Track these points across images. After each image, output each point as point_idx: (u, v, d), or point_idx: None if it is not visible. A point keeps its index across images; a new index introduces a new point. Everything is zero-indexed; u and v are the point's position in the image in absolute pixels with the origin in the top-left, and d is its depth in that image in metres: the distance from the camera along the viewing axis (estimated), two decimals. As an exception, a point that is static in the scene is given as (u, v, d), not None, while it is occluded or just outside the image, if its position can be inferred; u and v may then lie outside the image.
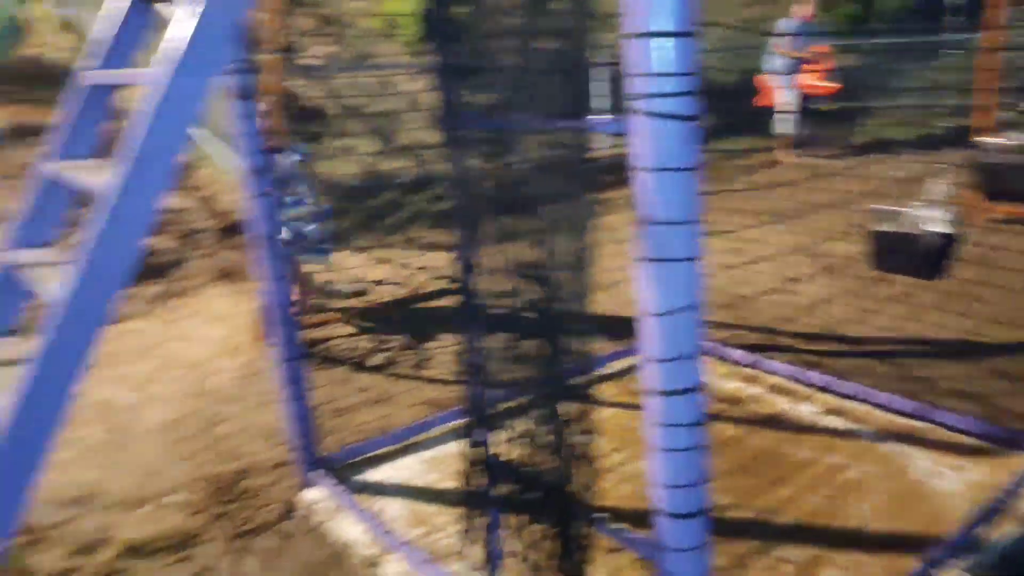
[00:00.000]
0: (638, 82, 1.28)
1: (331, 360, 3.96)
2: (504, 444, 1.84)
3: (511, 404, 1.82)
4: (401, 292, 4.47)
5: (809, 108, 9.00)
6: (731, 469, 2.77)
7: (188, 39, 1.64)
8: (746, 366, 3.64)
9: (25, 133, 5.41)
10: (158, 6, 1.80)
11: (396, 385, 3.74)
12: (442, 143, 1.71)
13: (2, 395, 1.56)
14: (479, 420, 1.88)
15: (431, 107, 4.14)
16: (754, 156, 9.10)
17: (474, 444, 1.95)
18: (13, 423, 1.40)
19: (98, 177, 1.73)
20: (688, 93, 1.28)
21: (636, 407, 3.37)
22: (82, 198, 1.83)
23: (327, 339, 4.08)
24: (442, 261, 4.68)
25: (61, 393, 1.50)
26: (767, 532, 2.42)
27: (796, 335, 3.97)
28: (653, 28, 1.25)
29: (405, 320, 4.61)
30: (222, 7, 1.58)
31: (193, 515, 2.86)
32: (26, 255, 2.03)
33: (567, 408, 1.61)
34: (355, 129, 4.71)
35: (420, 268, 4.28)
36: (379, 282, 4.05)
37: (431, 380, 3.84)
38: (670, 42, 1.25)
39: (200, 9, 1.51)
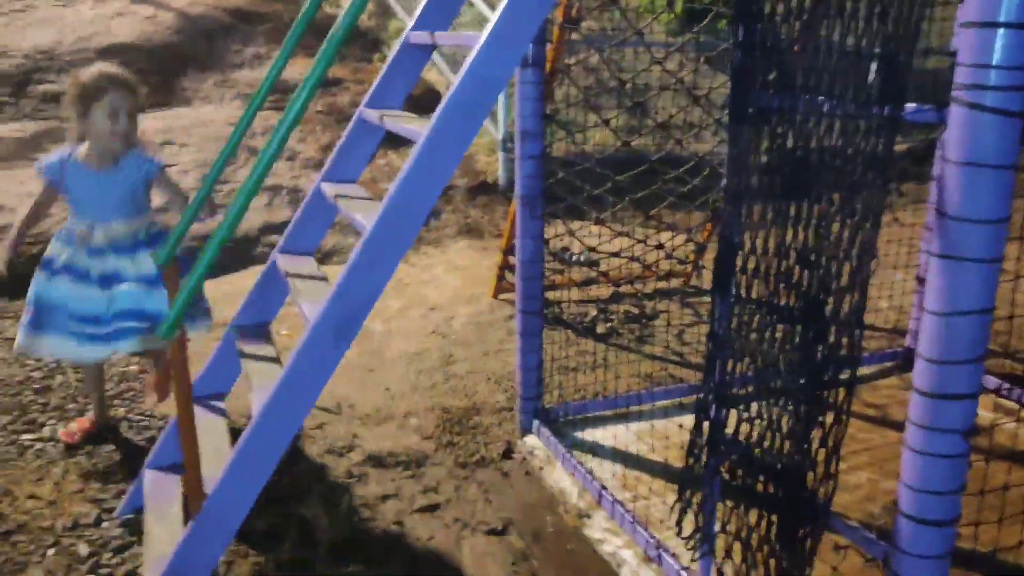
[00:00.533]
0: (964, 72, 1.23)
1: (558, 321, 4.13)
2: (741, 424, 1.86)
3: (755, 387, 1.83)
4: (634, 267, 4.53)
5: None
6: (973, 501, 2.56)
7: (503, 11, 1.81)
8: (1003, 396, 3.32)
9: (324, 85, 6.12)
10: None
11: (616, 355, 3.83)
12: (730, 120, 1.74)
13: (312, 304, 1.85)
14: (718, 396, 1.91)
15: (691, 86, 4.11)
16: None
17: (707, 419, 1.99)
18: (331, 320, 1.67)
19: (414, 125, 1.96)
20: (1019, 88, 1.21)
21: (859, 416, 3.18)
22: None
23: (557, 302, 4.25)
24: (679, 241, 4.68)
25: (365, 304, 1.75)
26: (1007, 570, 2.23)
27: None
28: (990, 19, 1.20)
29: (633, 295, 4.68)
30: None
31: (425, 439, 3.15)
32: (338, 188, 2.35)
33: (819, 401, 1.60)
34: (610, 103, 4.80)
35: (657, 247, 4.32)
36: (615, 254, 4.15)
37: (650, 356, 3.90)
38: (1008, 33, 1.19)
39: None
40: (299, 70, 6.35)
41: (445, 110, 1.79)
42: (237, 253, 4.72)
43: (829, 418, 1.54)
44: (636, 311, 4.56)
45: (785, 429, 1.69)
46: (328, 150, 5.70)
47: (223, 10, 6.42)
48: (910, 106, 1.41)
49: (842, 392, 1.48)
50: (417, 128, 1.88)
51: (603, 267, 4.50)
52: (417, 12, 2.42)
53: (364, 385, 3.58)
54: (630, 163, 4.25)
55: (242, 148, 5.43)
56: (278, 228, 4.90)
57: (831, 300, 1.47)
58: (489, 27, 1.80)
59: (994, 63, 1.20)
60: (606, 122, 3.88)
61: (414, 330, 4.18)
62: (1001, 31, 1.18)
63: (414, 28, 2.40)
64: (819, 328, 1.48)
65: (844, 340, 1.47)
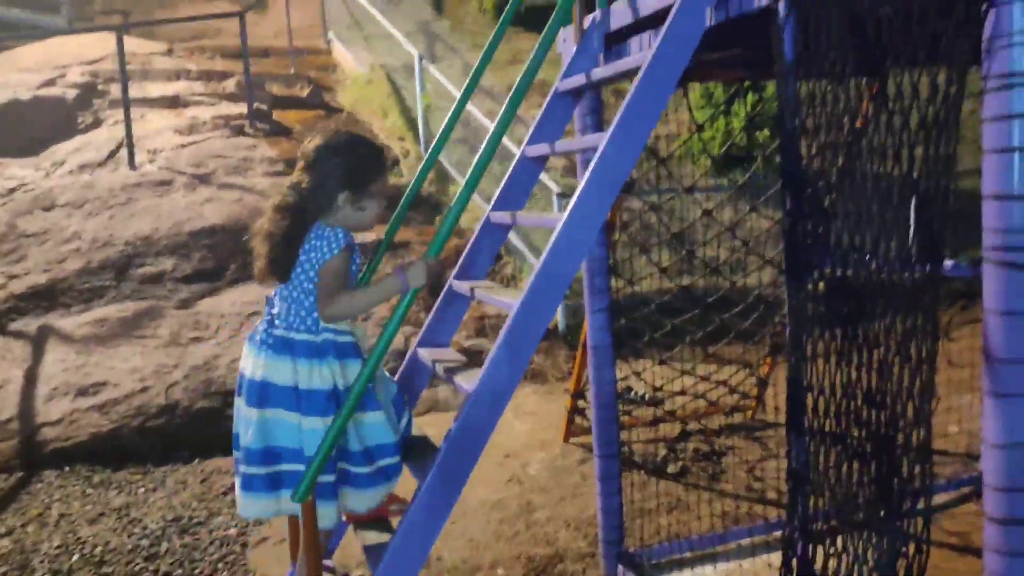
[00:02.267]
0: (993, 236, 1.44)
1: (631, 463, 4.23)
2: (829, 560, 1.95)
3: (837, 521, 1.94)
4: (699, 404, 4.66)
5: None
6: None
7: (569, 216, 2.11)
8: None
9: (394, 246, 6.61)
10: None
11: (691, 494, 3.89)
12: (787, 277, 1.96)
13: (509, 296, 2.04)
14: (804, 532, 2.01)
15: (735, 227, 4.36)
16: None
17: (795, 556, 2.08)
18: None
19: (505, 297, 2.23)
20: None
21: (941, 544, 3.15)
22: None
23: (627, 442, 4.37)
24: (741, 377, 4.81)
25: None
26: None
27: None
28: (1006, 192, 1.42)
29: (700, 432, 4.76)
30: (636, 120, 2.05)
31: (514, 589, 3.23)
32: (433, 352, 2.60)
33: (899, 532, 1.71)
34: (662, 245, 5.10)
35: (719, 382, 4.46)
36: (680, 392, 4.29)
37: (725, 493, 3.95)
38: (1019, 204, 1.41)
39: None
40: (369, 234, 6.86)
41: (527, 296, 2.06)
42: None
43: (911, 548, 1.65)
44: (706, 448, 4.63)
45: (871, 562, 1.78)
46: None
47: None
48: (948, 263, 1.62)
49: (919, 522, 1.60)
50: (509, 300, 2.15)
51: (668, 406, 4.63)
52: (496, 195, 2.76)
53: (448, 536, 3.69)
54: (687, 303, 4.48)
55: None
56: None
57: (899, 436, 1.62)
58: (558, 230, 2.09)
59: (1015, 228, 1.41)
60: (663, 270, 4.14)
61: (491, 478, 4.32)
62: (1017, 203, 1.40)
63: (494, 209, 2.73)
64: (890, 462, 1.62)
65: (916, 471, 1.60)
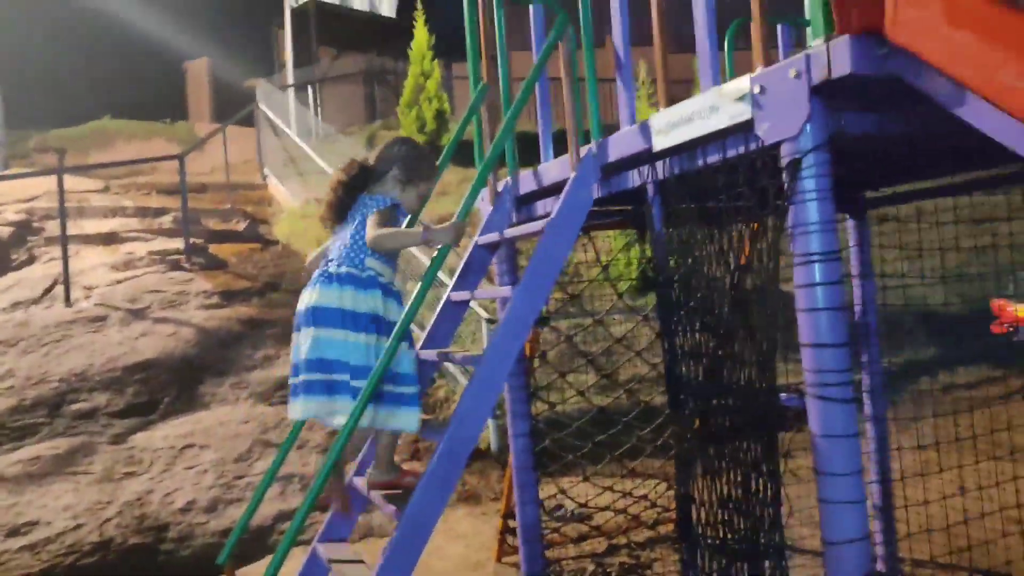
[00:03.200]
0: (811, 375, 1.85)
1: (560, 580, 4.41)
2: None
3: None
4: (622, 519, 4.91)
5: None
6: None
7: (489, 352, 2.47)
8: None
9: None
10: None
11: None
12: (669, 406, 2.34)
13: None
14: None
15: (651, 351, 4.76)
16: (988, 387, 8.78)
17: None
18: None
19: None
20: (846, 383, 1.83)
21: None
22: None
23: (556, 560, 4.57)
24: (662, 489, 5.10)
25: None
26: None
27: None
28: (817, 341, 1.84)
29: (626, 545, 4.99)
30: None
31: None
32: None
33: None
34: (580, 367, 5.48)
35: (642, 496, 4.74)
36: (604, 508, 4.55)
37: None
38: (829, 351, 1.83)
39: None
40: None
41: (452, 428, 2.38)
42: (253, 543, 5.03)
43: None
44: (631, 562, 4.85)
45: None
46: (333, 433, 6.23)
47: (236, 320, 7.30)
48: (783, 396, 2.02)
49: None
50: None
51: (595, 521, 4.87)
52: (424, 335, 3.11)
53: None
54: (609, 420, 4.83)
55: (256, 442, 5.94)
56: (291, 516, 5.27)
57: (760, 537, 1.96)
58: (476, 372, 2.44)
59: (824, 368, 1.82)
60: (581, 393, 4.50)
61: (426, 602, 4.43)
62: (827, 350, 1.82)
63: (423, 347, 3.07)
64: (754, 562, 1.96)
65: (775, 571, 1.94)
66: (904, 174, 3.22)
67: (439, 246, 2.65)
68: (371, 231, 2.54)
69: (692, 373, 2.24)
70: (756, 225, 2.00)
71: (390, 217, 2.61)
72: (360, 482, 2.83)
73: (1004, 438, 5.28)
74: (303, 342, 2.55)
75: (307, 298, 2.59)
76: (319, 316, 2.51)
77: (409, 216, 2.84)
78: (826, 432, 1.84)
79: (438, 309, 3.15)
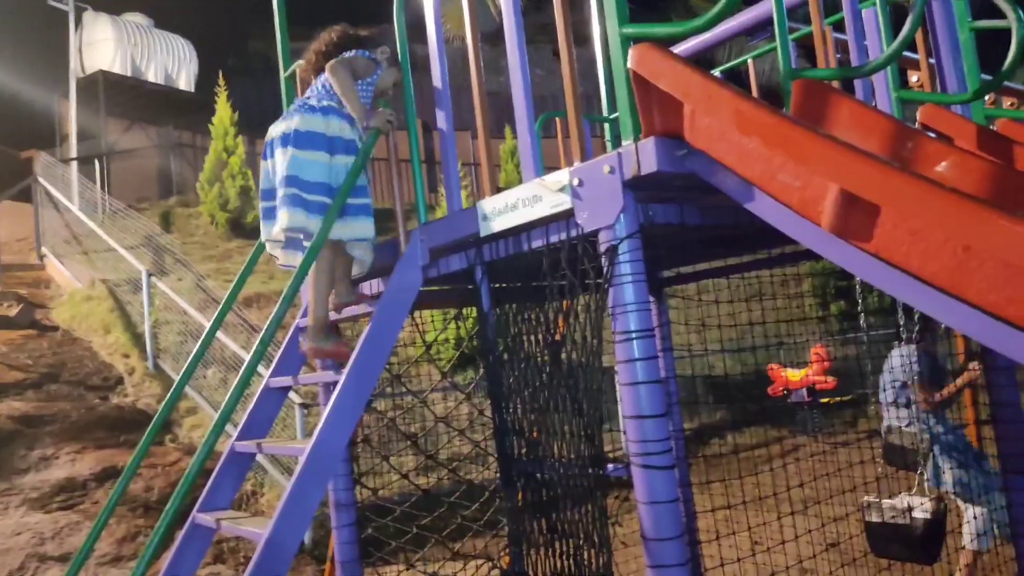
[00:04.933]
0: (633, 446, 1.97)
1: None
2: None
3: None
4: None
5: (816, 400, 9.82)
6: None
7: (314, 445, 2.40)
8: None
9: (114, 475, 6.14)
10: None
11: None
12: (501, 482, 2.37)
13: None
14: None
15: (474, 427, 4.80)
16: (771, 446, 9.67)
17: None
18: None
19: (253, 527, 2.39)
20: (666, 451, 1.97)
21: None
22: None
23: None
24: (484, 571, 5.07)
25: None
26: None
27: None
28: (638, 413, 1.98)
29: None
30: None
31: None
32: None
33: None
34: (399, 447, 5.39)
35: (467, 580, 4.69)
36: (431, 595, 4.44)
37: None
38: (650, 421, 1.96)
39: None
40: (88, 464, 6.37)
41: (277, 521, 2.26)
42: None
43: None
44: (459, 647, 4.75)
45: None
46: (125, 541, 5.61)
47: (6, 417, 6.44)
48: (610, 467, 2.13)
49: None
50: (257, 530, 2.31)
51: (421, 609, 4.73)
52: (241, 424, 2.93)
53: None
54: (434, 501, 4.76)
55: (31, 556, 5.19)
56: None
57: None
58: (302, 463, 2.35)
59: (645, 439, 1.95)
60: (404, 476, 4.42)
61: None
62: (648, 421, 1.96)
63: (239, 438, 2.90)
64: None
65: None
66: (697, 255, 3.57)
67: (368, 128, 2.84)
68: (338, 62, 2.85)
69: (520, 448, 2.30)
70: (578, 304, 2.13)
71: (360, 66, 2.91)
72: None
73: (790, 493, 5.83)
74: (280, 162, 2.80)
75: (284, 126, 2.84)
76: (300, 139, 2.76)
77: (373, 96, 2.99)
78: (650, 499, 1.96)
79: (255, 397, 3.00)
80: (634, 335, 1.99)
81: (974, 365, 4.22)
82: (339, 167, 2.77)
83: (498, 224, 2.34)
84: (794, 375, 10.44)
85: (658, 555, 1.94)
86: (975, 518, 4.26)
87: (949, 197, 1.36)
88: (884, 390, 4.63)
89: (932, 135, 2.14)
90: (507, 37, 2.36)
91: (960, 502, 4.40)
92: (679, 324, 4.75)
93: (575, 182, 2.07)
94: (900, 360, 4.50)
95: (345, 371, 2.50)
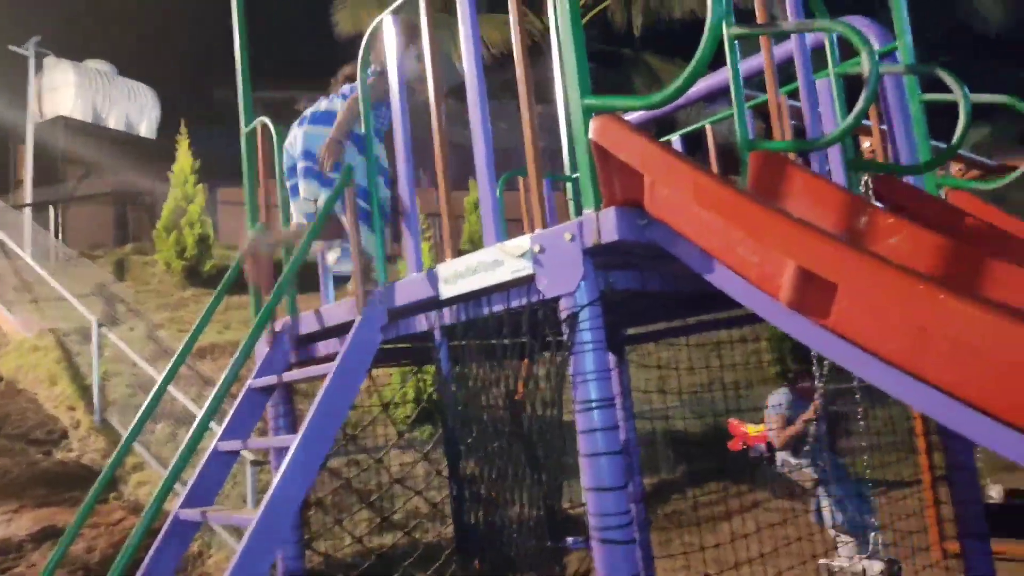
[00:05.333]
0: (594, 519, 1.93)
1: None
2: None
3: None
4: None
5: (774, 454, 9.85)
6: None
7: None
8: None
9: (53, 535, 5.85)
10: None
11: None
12: (456, 551, 2.30)
13: None
14: None
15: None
16: (730, 502, 9.64)
17: None
18: None
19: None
20: (626, 524, 1.93)
21: None
22: None
23: None
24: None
25: None
26: None
27: None
28: (598, 485, 1.94)
29: None
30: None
31: None
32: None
33: None
34: (353, 508, 5.25)
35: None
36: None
37: None
38: (611, 494, 1.92)
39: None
40: (26, 524, 6.07)
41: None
42: None
43: None
44: None
45: None
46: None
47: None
48: (569, 539, 2.09)
49: None
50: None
51: None
52: (186, 490, 2.82)
53: None
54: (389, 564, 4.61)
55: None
56: None
57: None
58: (249, 532, 2.27)
59: (607, 512, 1.91)
60: (358, 540, 4.29)
61: None
62: (609, 493, 1.92)
63: (183, 506, 2.78)
64: None
65: None
66: (659, 315, 3.59)
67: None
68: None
69: (477, 515, 2.24)
70: (538, 369, 2.11)
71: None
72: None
73: (753, 548, 5.79)
74: (298, 138, 3.17)
75: (311, 108, 3.29)
76: (316, 117, 3.17)
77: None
78: (610, 573, 1.91)
79: (203, 460, 2.90)
80: (595, 404, 1.97)
81: (814, 405, 4.52)
82: (350, 148, 3.05)
83: (458, 288, 2.32)
84: (753, 430, 10.48)
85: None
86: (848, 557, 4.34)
87: (904, 277, 1.38)
88: (771, 429, 5.00)
89: (882, 206, 2.18)
90: (469, 98, 2.37)
91: (843, 536, 4.49)
92: (638, 380, 4.75)
93: (536, 248, 2.07)
94: (774, 399, 4.95)
95: (297, 436, 2.43)
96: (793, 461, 4.56)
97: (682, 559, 5.50)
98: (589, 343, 1.97)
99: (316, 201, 3.14)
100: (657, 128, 6.03)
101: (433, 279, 2.41)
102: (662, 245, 1.91)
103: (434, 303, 2.47)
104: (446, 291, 2.36)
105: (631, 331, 4.14)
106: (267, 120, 3.18)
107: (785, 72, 3.06)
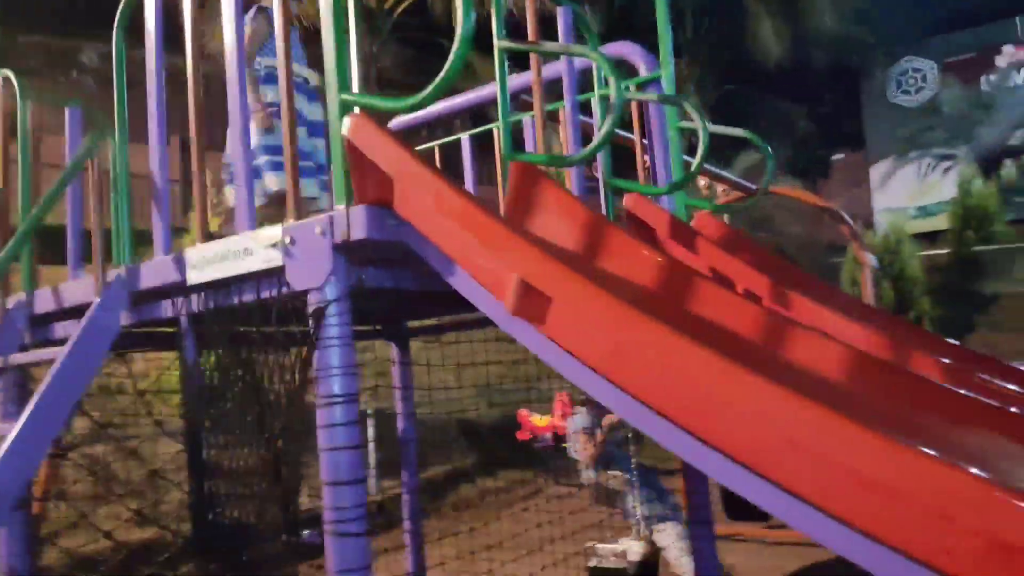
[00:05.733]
0: (329, 512, 1.94)
1: None
2: None
3: None
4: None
5: (559, 444, 10.38)
6: None
7: None
8: None
9: None
10: None
11: None
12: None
13: None
14: None
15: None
16: (515, 491, 10.04)
17: None
18: None
19: None
20: (361, 518, 1.96)
21: None
22: None
23: None
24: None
25: None
26: None
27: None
28: (336, 479, 1.95)
29: None
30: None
31: None
32: None
33: None
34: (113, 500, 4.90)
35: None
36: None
37: None
38: (348, 488, 1.94)
39: None
40: None
41: None
42: None
43: None
44: None
45: None
46: None
47: None
48: (306, 532, 2.09)
49: None
50: None
51: None
52: None
53: None
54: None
55: None
56: None
57: None
58: None
59: (341, 506, 1.93)
60: (107, 535, 4.00)
61: None
62: (346, 487, 1.94)
63: None
64: None
65: None
66: (437, 311, 3.66)
67: None
68: None
69: (217, 511, 2.18)
70: (283, 363, 2.08)
71: None
72: None
73: (534, 534, 6.07)
74: None
75: None
76: None
77: None
78: (342, 567, 1.93)
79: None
80: (337, 400, 1.98)
81: (609, 417, 4.93)
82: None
83: (207, 274, 2.23)
84: (540, 421, 10.98)
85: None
86: (672, 544, 4.72)
87: (604, 296, 1.52)
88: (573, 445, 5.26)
89: (622, 225, 2.38)
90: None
91: (655, 534, 4.88)
92: (434, 373, 4.82)
93: (287, 240, 2.04)
94: (576, 424, 5.24)
95: (16, 425, 2.23)
96: (608, 472, 4.84)
97: (459, 546, 5.65)
98: (335, 339, 1.98)
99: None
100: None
101: (180, 264, 2.30)
102: (411, 245, 1.95)
103: (182, 288, 2.36)
104: (194, 277, 2.26)
105: (415, 323, 4.19)
106: (8, 72, 2.86)
107: (553, 91, 3.22)
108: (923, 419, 1.82)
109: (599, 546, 4.31)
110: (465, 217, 1.70)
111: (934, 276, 14.44)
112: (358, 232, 1.90)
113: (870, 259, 6.77)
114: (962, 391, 2.01)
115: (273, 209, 3.57)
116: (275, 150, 3.58)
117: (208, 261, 2.23)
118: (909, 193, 18.77)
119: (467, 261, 1.79)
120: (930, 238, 16.17)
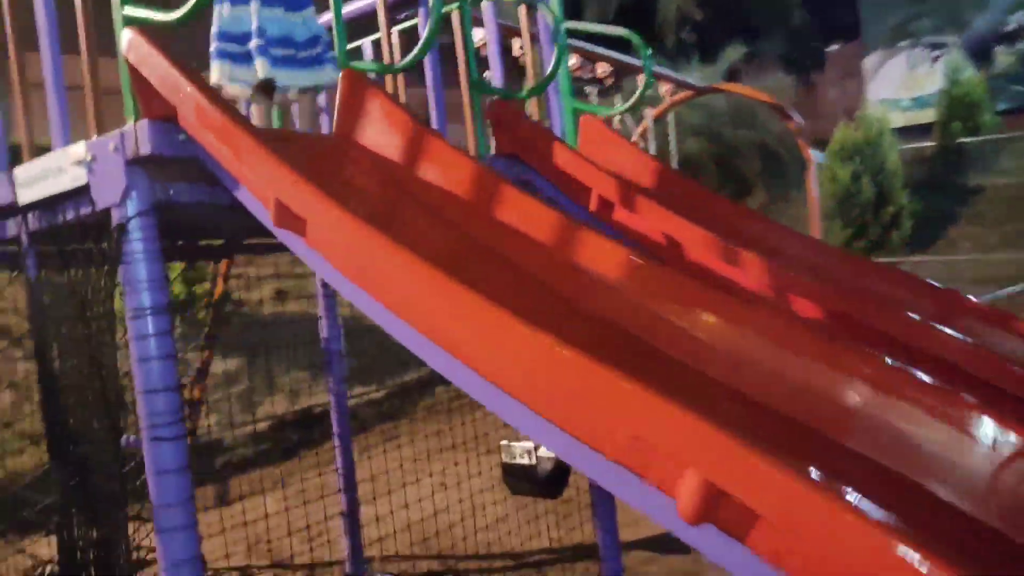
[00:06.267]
0: (145, 419, 2.04)
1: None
2: None
3: None
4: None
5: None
6: None
7: None
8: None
9: None
10: None
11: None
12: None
13: None
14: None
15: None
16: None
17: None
18: None
19: None
20: (176, 422, 2.06)
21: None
22: None
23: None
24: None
25: None
26: None
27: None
28: (149, 387, 2.04)
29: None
30: None
31: None
32: None
33: None
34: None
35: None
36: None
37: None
38: (162, 395, 2.04)
39: None
40: None
41: None
42: None
43: None
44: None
45: None
46: None
47: None
48: (124, 438, 2.22)
49: None
50: None
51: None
52: None
53: None
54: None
55: None
56: None
57: None
58: None
59: (155, 412, 2.03)
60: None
61: None
62: (159, 394, 2.03)
63: None
64: None
65: None
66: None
67: None
68: None
69: (58, 421, 2.29)
70: (100, 279, 2.14)
71: None
72: None
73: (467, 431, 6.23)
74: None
75: None
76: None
77: None
78: (160, 469, 2.05)
79: None
80: (148, 312, 2.05)
81: None
82: None
83: (34, 193, 2.26)
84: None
85: (165, 520, 2.05)
86: None
87: (350, 220, 1.56)
88: None
89: (439, 135, 2.36)
90: None
91: None
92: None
93: (89, 157, 2.06)
94: None
95: None
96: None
97: (402, 452, 5.83)
98: (140, 253, 2.03)
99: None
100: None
101: (11, 182, 2.32)
102: (203, 160, 1.97)
103: (18, 208, 2.39)
104: (24, 196, 2.30)
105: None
106: None
107: None
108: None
109: (512, 445, 4.46)
110: (221, 130, 1.72)
111: (920, 168, 14.20)
112: (146, 148, 1.92)
113: (815, 155, 6.69)
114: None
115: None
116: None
117: (34, 179, 2.26)
118: (902, 84, 18.26)
119: (239, 174, 1.82)
120: (925, 130, 15.79)
